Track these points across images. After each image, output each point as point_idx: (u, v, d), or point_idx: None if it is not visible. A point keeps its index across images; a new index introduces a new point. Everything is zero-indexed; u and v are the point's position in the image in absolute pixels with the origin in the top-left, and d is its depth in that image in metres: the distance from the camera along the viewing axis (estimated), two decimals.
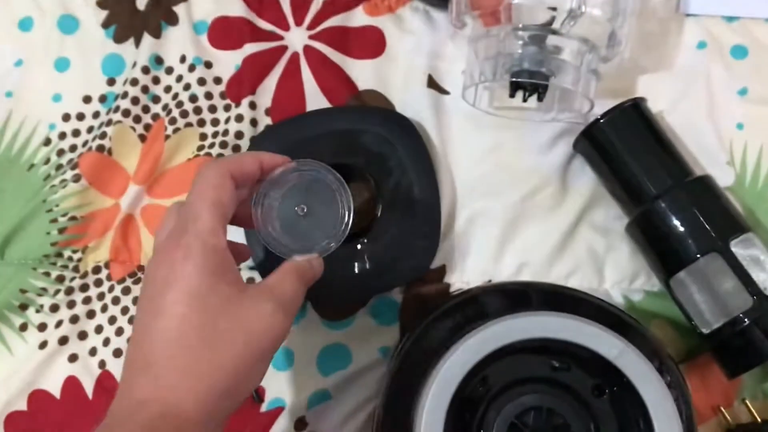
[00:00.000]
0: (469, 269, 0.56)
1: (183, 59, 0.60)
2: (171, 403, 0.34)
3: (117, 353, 0.55)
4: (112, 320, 0.56)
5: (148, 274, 0.38)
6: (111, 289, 0.56)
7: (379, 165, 0.55)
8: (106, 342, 0.55)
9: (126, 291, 0.56)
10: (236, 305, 0.36)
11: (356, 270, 0.53)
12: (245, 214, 0.42)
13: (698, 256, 0.49)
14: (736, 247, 0.49)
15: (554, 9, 0.51)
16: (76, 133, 0.59)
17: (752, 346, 0.48)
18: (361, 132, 0.55)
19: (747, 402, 0.53)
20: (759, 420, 0.52)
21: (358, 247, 0.53)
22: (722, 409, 0.53)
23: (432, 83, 0.59)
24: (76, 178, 0.57)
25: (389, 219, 0.54)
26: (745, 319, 0.47)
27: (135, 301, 0.56)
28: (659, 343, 0.47)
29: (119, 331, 0.55)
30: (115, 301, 0.56)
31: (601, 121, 0.53)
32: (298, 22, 0.61)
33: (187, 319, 0.35)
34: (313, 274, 0.42)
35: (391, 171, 0.55)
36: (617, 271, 0.56)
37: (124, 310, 0.56)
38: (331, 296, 0.54)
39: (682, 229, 0.50)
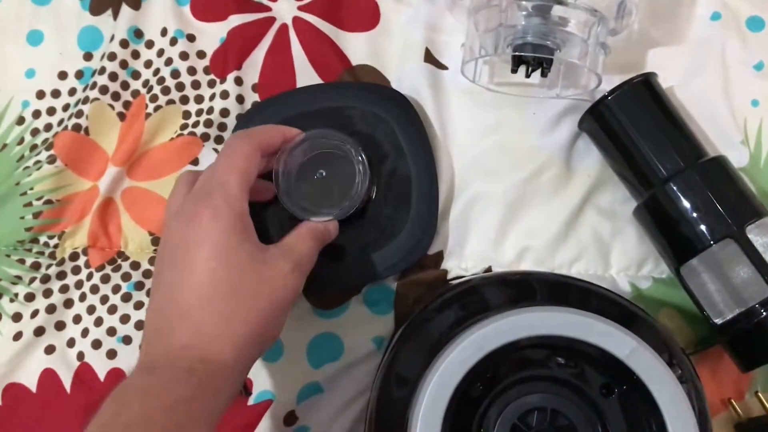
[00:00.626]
0: (467, 255, 0.53)
1: (164, 32, 0.56)
2: (210, 349, 0.38)
3: (96, 344, 0.52)
4: (91, 310, 0.53)
5: (174, 232, 0.41)
6: (89, 276, 0.53)
7: (374, 145, 0.52)
8: (85, 333, 0.52)
9: (105, 279, 0.53)
10: (259, 262, 0.40)
11: (349, 255, 0.51)
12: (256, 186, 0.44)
13: (712, 242, 0.46)
14: (753, 233, 0.46)
15: None
16: (51, 111, 0.55)
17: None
18: (355, 110, 0.52)
19: (760, 395, 0.50)
20: None
21: (352, 231, 0.50)
22: (733, 402, 0.51)
23: (429, 58, 0.56)
24: (52, 159, 0.54)
25: (384, 201, 0.51)
26: (762, 311, 0.45)
27: (114, 290, 0.53)
28: (670, 336, 0.45)
29: (98, 322, 0.52)
30: (94, 290, 0.53)
31: (609, 97, 0.50)
32: None
33: (217, 273, 0.39)
34: (327, 235, 0.46)
35: (386, 151, 0.52)
36: (624, 257, 0.53)
37: (104, 299, 0.53)
38: (323, 283, 0.51)
39: (694, 213, 0.47)
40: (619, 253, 0.53)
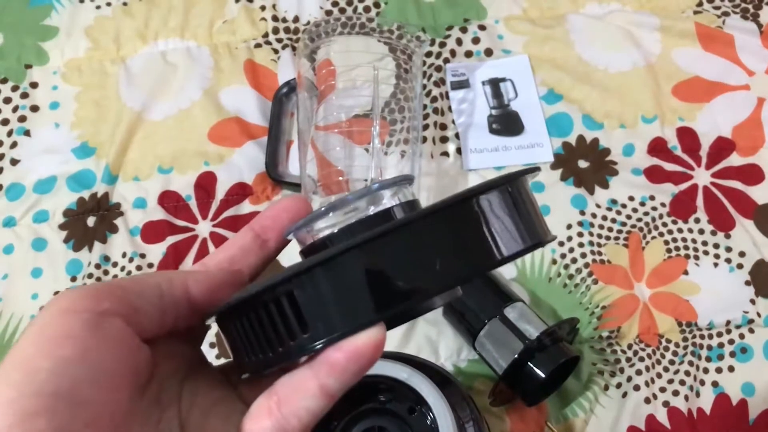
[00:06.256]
0: None
1: (124, 255, 0.84)
2: None
3: None
4: None
5: None
6: None
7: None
8: None
9: None
10: None
11: None
12: None
13: (486, 322, 0.72)
14: (508, 312, 0.72)
15: None
16: None
17: (530, 376, 0.70)
18: None
19: (548, 423, 0.74)
20: None
21: None
22: None
23: None
24: None
25: None
26: (519, 357, 0.70)
27: None
28: (465, 392, 0.69)
29: None
30: None
31: None
32: (204, 217, 0.86)
33: None
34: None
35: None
36: (447, 349, 0.78)
37: None
38: None
39: (472, 306, 0.74)
40: (443, 347, 0.78)
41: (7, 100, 0.94)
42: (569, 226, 0.84)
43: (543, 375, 0.69)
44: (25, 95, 0.95)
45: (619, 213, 0.84)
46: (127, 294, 0.29)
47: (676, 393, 0.75)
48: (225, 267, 0.34)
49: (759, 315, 0.78)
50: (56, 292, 0.82)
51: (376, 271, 0.28)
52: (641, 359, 0.76)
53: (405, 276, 0.28)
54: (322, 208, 0.34)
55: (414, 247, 0.28)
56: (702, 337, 0.78)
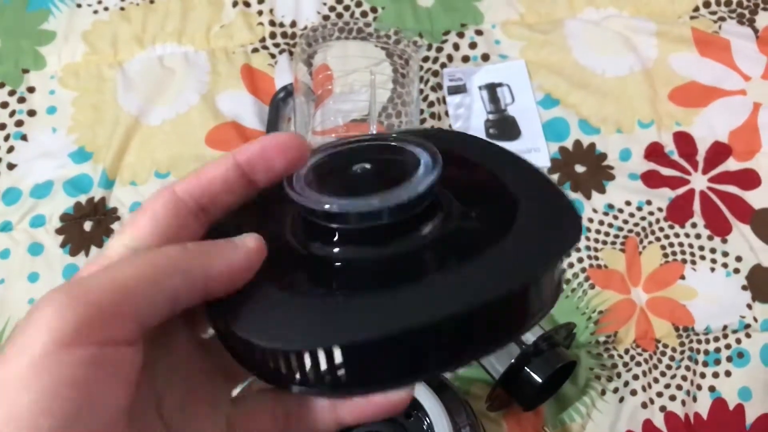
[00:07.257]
0: None
1: None
2: None
3: None
4: None
5: None
6: None
7: None
8: None
9: None
10: None
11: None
12: None
13: None
14: None
15: None
16: None
17: (527, 381, 0.70)
18: None
19: (546, 428, 0.74)
20: None
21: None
22: None
23: None
24: None
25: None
26: (516, 362, 0.70)
27: None
28: (462, 396, 0.69)
29: None
30: None
31: None
32: None
33: None
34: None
35: None
36: None
37: None
38: None
39: None
40: None
41: (4, 105, 0.94)
42: None
43: (540, 380, 0.69)
44: (22, 100, 0.95)
45: (615, 218, 0.85)
46: (139, 308, 0.25)
47: (673, 398, 0.75)
48: (247, 256, 0.28)
49: (756, 320, 0.78)
50: None
51: (409, 344, 0.27)
52: (638, 364, 0.77)
53: (447, 348, 0.27)
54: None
55: (462, 324, 0.27)
56: (699, 341, 0.78)
